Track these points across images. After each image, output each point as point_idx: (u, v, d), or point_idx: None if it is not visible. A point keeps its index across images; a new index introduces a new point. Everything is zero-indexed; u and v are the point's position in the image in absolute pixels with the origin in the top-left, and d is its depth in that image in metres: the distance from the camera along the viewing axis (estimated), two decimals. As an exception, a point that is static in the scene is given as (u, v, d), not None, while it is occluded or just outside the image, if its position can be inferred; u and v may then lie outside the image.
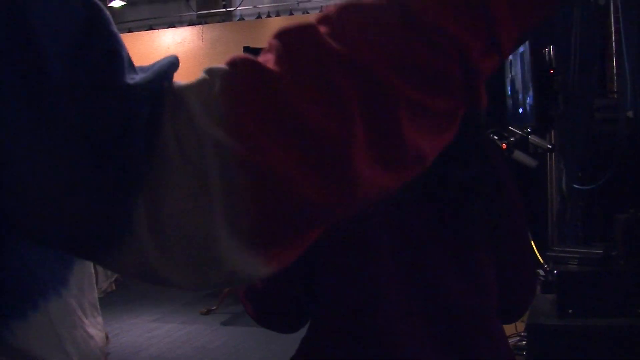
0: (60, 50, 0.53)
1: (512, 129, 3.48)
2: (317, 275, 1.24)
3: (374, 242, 1.20)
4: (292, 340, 1.38)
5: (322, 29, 0.55)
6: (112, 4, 8.21)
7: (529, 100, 4.01)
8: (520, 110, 4.28)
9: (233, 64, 0.57)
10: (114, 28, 0.60)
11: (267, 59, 0.55)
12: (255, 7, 8.09)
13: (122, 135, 0.51)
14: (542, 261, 3.35)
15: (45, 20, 0.54)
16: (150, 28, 8.40)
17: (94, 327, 0.83)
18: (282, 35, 0.56)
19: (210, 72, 0.57)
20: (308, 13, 7.57)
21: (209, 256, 0.54)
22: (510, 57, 4.50)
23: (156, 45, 8.22)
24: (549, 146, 3.59)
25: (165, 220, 0.53)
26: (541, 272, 3.27)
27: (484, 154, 1.27)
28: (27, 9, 0.53)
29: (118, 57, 0.57)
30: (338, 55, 0.53)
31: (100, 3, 0.60)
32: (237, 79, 0.55)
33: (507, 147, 3.27)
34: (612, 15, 4.76)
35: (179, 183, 0.52)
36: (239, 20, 8.21)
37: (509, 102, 4.67)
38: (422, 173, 1.19)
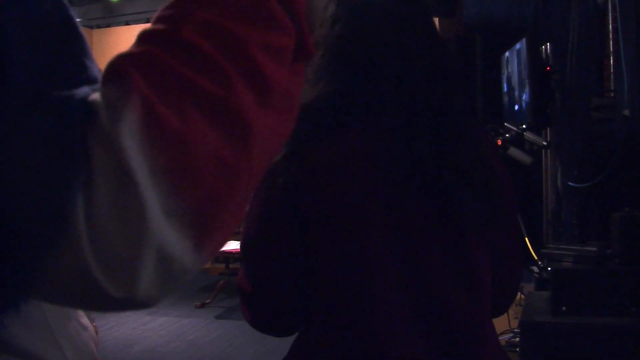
0: (30, 67, 0.55)
1: (507, 125, 3.49)
2: (312, 276, 1.23)
3: (371, 244, 1.18)
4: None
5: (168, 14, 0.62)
6: (109, -3, 8.20)
7: (525, 97, 4.01)
8: (516, 107, 4.28)
9: (119, 59, 0.59)
10: (86, 57, 0.62)
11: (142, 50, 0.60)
12: (253, 1, 8.06)
13: (61, 141, 0.54)
14: (536, 258, 3.35)
15: (20, 35, 0.56)
16: (148, 21, 8.34)
17: (87, 318, 0.82)
18: (143, 35, 0.62)
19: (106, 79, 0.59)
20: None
21: (145, 249, 0.56)
22: (507, 53, 4.50)
23: (153, 39, 8.19)
24: (544, 143, 3.59)
25: (100, 216, 0.55)
26: (535, 269, 3.27)
27: (476, 138, 1.26)
28: (3, 21, 0.55)
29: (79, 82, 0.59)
30: (195, 24, 0.60)
31: (79, 29, 0.61)
32: (129, 73, 0.57)
33: (502, 143, 3.28)
34: (610, 14, 4.76)
35: (108, 180, 0.55)
36: (236, 14, 8.16)
37: (505, 98, 4.67)
38: (418, 161, 1.19)
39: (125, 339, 5.21)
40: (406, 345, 1.17)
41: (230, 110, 0.59)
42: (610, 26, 4.70)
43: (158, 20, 0.62)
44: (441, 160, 1.18)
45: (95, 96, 0.57)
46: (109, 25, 8.59)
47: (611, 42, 4.75)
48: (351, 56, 1.22)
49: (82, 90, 0.58)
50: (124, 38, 8.37)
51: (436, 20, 4.88)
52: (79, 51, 0.61)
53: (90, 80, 0.60)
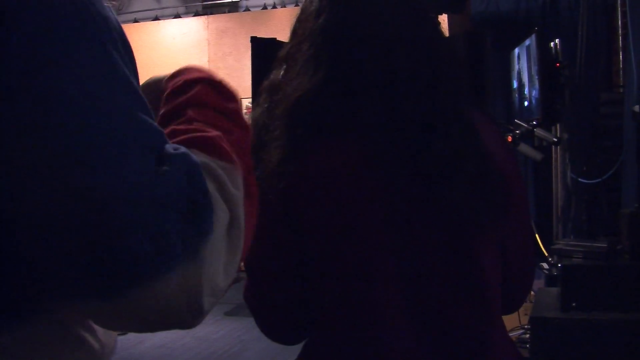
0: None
1: (517, 121, 3.48)
2: (312, 284, 1.22)
3: (370, 251, 1.16)
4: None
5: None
6: (118, -6, 8.22)
7: (534, 93, 4.00)
8: (526, 104, 4.27)
9: (217, 140, 0.81)
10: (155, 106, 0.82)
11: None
12: (261, -2, 8.10)
13: (194, 193, 0.71)
14: (546, 254, 3.35)
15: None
16: (156, 18, 8.39)
17: None
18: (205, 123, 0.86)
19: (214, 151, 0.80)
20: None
21: (231, 281, 0.76)
22: (517, 49, 4.50)
23: (162, 36, 8.21)
24: (554, 139, 3.59)
25: (215, 254, 0.73)
26: (545, 265, 3.28)
27: (468, 125, 1.21)
28: None
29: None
30: (229, 139, 0.84)
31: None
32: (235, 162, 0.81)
33: (512, 139, 3.28)
34: (619, 9, 4.75)
35: (225, 226, 0.75)
36: (244, 11, 8.18)
37: (515, 95, 4.66)
38: (407, 156, 1.17)
39: (135, 335, 5.23)
40: (409, 353, 1.17)
41: (253, 187, 0.86)
42: (620, 21, 4.70)
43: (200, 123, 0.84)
44: (429, 152, 1.16)
45: (205, 159, 0.77)
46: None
47: (620, 37, 4.75)
48: (336, 46, 1.22)
49: (185, 150, 0.74)
50: (132, 35, 8.38)
51: (445, 16, 4.87)
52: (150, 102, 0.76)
53: (163, 133, 0.74)
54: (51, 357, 0.75)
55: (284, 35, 1.32)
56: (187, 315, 0.71)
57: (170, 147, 0.72)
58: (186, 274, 0.69)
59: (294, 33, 1.28)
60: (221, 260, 0.74)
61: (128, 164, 0.66)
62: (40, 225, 0.65)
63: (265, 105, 1.25)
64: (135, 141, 0.68)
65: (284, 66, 1.26)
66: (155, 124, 0.73)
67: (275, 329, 1.33)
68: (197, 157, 0.74)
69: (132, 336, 5.18)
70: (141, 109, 0.71)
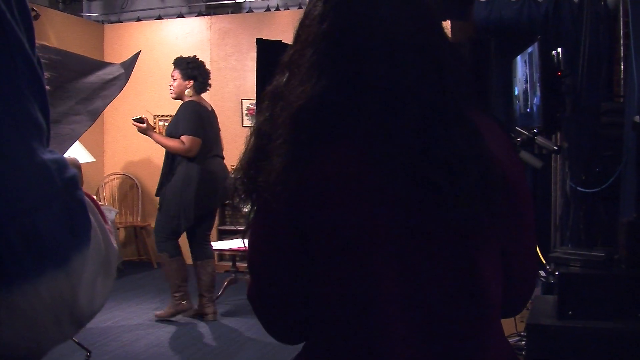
0: None
1: (518, 129, 3.49)
2: (314, 287, 1.23)
3: (371, 258, 1.16)
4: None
5: None
6: (121, -8, 8.23)
7: (536, 101, 4.01)
8: (527, 111, 4.28)
9: None
10: None
11: None
12: (264, 0, 8.10)
13: None
14: (544, 262, 3.36)
15: None
16: (159, 17, 8.40)
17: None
18: None
19: None
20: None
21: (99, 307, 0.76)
22: (519, 57, 4.51)
23: (164, 35, 8.23)
24: (555, 147, 3.59)
25: (86, 270, 0.69)
26: (543, 273, 3.28)
27: (471, 129, 1.20)
28: None
29: None
30: None
31: None
32: None
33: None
34: (621, 19, 4.76)
35: (99, 250, 0.72)
36: (247, 12, 8.19)
37: (516, 102, 4.67)
38: (408, 161, 1.18)
39: (132, 333, 5.24)
40: (406, 357, 1.18)
41: None
42: (621, 31, 4.71)
43: None
44: (432, 157, 1.16)
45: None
46: (120, 21, 8.63)
47: (622, 47, 4.76)
48: (339, 52, 1.22)
49: (64, 158, 0.69)
50: (135, 33, 8.40)
51: (448, 22, 4.87)
52: None
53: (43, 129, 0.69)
54: None
55: (286, 38, 1.33)
56: (53, 328, 0.66)
57: (47, 149, 0.66)
58: (56, 282, 0.64)
59: (297, 37, 1.28)
60: (94, 279, 0.69)
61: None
62: None
63: (268, 114, 1.26)
64: (14, 124, 0.62)
65: (287, 73, 1.26)
66: (39, 117, 0.66)
67: (279, 328, 1.34)
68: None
69: (128, 335, 5.19)
70: (31, 90, 0.64)
